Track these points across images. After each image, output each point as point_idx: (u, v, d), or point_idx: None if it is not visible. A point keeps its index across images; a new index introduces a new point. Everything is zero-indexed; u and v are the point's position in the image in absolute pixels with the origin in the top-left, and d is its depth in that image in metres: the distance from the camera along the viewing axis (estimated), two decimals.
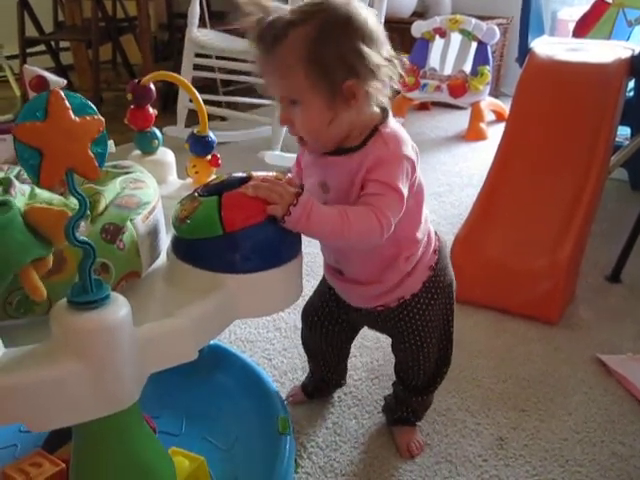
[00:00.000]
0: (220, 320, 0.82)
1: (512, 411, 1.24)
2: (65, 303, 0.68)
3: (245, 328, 1.51)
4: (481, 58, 3.12)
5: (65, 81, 1.12)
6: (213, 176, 1.20)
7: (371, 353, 1.41)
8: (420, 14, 3.75)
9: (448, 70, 3.30)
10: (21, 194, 0.76)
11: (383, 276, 0.99)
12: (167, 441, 0.95)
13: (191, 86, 1.29)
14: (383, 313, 1.04)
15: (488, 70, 3.08)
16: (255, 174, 0.86)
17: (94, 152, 0.67)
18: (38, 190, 0.79)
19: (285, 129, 2.61)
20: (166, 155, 1.30)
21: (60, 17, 4.01)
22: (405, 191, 0.87)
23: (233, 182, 0.85)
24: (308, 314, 1.17)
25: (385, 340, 1.14)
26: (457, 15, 3.25)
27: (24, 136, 0.63)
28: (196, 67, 2.81)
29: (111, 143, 1.07)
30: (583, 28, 2.43)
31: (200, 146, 1.23)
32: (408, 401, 1.14)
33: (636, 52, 1.83)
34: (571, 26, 2.70)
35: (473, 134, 3.02)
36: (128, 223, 0.83)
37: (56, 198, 0.79)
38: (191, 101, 1.45)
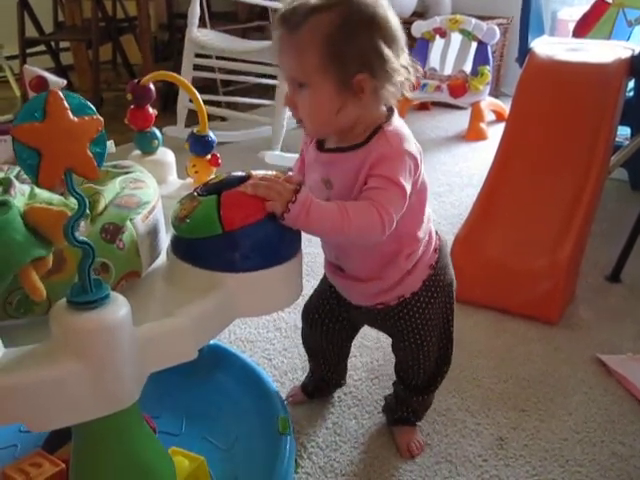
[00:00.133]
0: (220, 319, 0.82)
1: (512, 411, 1.24)
2: (65, 303, 0.68)
3: (245, 328, 1.51)
4: (481, 58, 3.12)
5: (65, 81, 1.13)
6: (213, 176, 1.20)
7: (371, 353, 1.41)
8: (420, 14, 3.74)
9: (448, 70, 3.30)
10: (21, 194, 0.76)
11: (383, 273, 0.99)
12: (167, 441, 0.95)
13: (191, 86, 1.29)
14: (383, 311, 1.04)
15: (488, 70, 3.08)
16: (254, 173, 0.86)
17: (93, 152, 0.67)
18: (38, 190, 0.79)
19: (285, 129, 2.66)
20: (166, 155, 1.30)
21: (60, 17, 4.01)
22: (408, 187, 0.87)
23: (232, 181, 0.84)
24: (309, 312, 1.17)
25: (385, 340, 1.14)
26: (457, 15, 3.25)
27: (23, 136, 0.63)
28: (196, 67, 2.81)
29: (111, 143, 1.08)
30: (583, 28, 2.43)
31: (200, 146, 1.23)
32: (408, 401, 1.14)
33: (636, 52, 1.83)
34: (571, 26, 2.70)
35: (473, 134, 3.02)
36: (128, 223, 0.83)
37: (56, 198, 0.79)
38: (191, 101, 1.44)
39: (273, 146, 2.60)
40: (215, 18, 3.42)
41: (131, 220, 0.83)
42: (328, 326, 1.14)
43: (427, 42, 3.32)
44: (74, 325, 0.67)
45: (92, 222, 0.80)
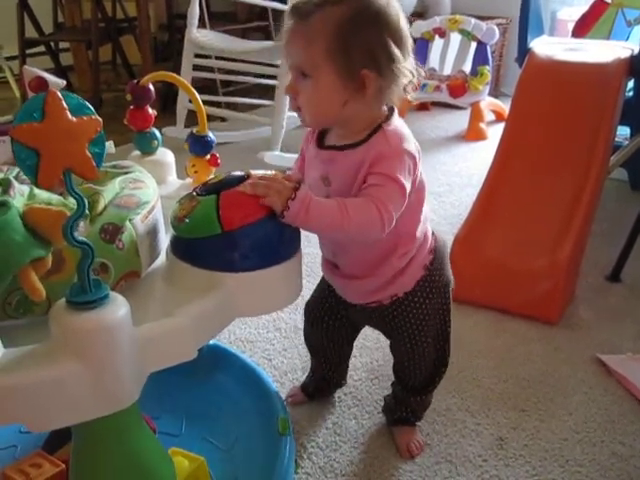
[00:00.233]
0: (220, 319, 0.82)
1: (512, 411, 1.24)
2: (64, 303, 0.68)
3: (245, 328, 1.51)
4: (481, 58, 3.11)
5: (65, 82, 1.13)
6: (212, 176, 1.20)
7: (371, 353, 1.41)
8: (420, 14, 3.74)
9: (448, 70, 3.30)
10: (20, 195, 0.76)
11: (377, 270, 0.99)
12: (167, 441, 0.95)
13: (190, 87, 1.29)
14: (378, 310, 1.05)
15: (488, 70, 3.08)
16: (253, 173, 0.86)
17: (92, 152, 0.67)
18: (37, 190, 0.79)
19: (284, 130, 2.66)
20: (165, 155, 1.30)
21: (60, 18, 4.01)
22: (407, 185, 0.87)
23: (231, 181, 0.85)
24: (310, 310, 1.17)
25: (385, 341, 1.14)
26: (457, 15, 3.25)
27: (21, 137, 0.63)
28: (196, 68, 2.81)
29: (110, 144, 1.08)
30: (582, 28, 2.43)
31: (199, 146, 1.23)
32: (407, 401, 1.14)
33: (635, 52, 1.83)
34: (570, 26, 2.70)
35: (473, 134, 3.02)
36: (127, 223, 0.83)
37: (55, 198, 0.79)
38: (190, 102, 1.45)
39: (272, 146, 2.60)
40: (215, 18, 3.42)
41: (130, 220, 0.83)
42: (328, 324, 1.15)
43: (427, 42, 3.31)
44: (73, 325, 0.67)
45: (91, 222, 0.80)
